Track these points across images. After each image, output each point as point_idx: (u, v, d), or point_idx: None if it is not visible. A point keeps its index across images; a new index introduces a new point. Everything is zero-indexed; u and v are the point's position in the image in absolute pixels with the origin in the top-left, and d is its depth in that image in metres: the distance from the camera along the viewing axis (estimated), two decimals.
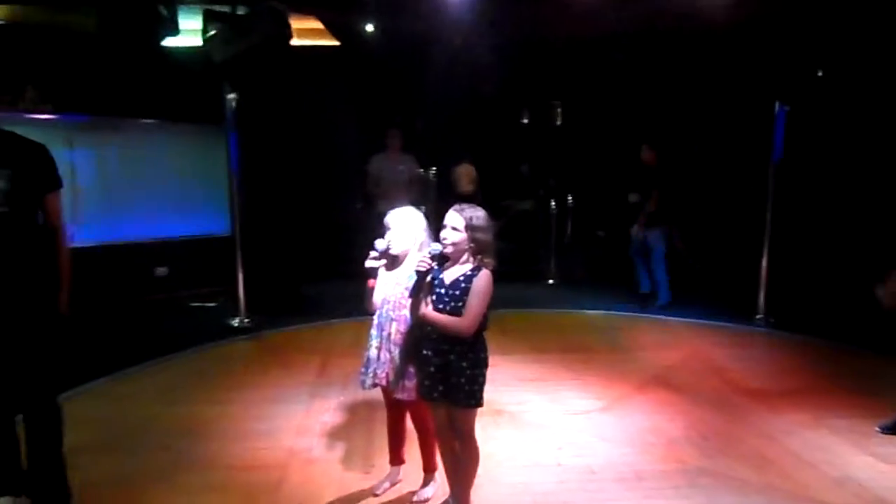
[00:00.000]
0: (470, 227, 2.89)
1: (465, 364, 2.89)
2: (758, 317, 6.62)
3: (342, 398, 4.49)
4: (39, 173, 2.95)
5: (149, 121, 6.82)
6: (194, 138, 6.96)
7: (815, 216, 7.30)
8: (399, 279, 3.12)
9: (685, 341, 6.02)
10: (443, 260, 2.94)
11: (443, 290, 2.91)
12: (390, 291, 3.14)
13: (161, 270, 7.02)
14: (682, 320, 6.68)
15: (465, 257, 2.93)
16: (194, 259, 7.00)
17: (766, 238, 6.61)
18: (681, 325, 6.58)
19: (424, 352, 2.97)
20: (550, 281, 8.58)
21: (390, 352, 3.14)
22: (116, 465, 3.58)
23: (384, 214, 3.22)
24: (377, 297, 3.19)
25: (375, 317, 3.20)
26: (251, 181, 6.61)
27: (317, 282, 7.29)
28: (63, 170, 5.58)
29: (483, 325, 2.93)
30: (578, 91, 9.83)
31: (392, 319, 3.13)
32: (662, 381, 4.94)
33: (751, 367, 5.32)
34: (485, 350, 2.98)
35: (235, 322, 6.21)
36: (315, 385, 4.78)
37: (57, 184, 3.01)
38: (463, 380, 2.88)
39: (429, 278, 2.93)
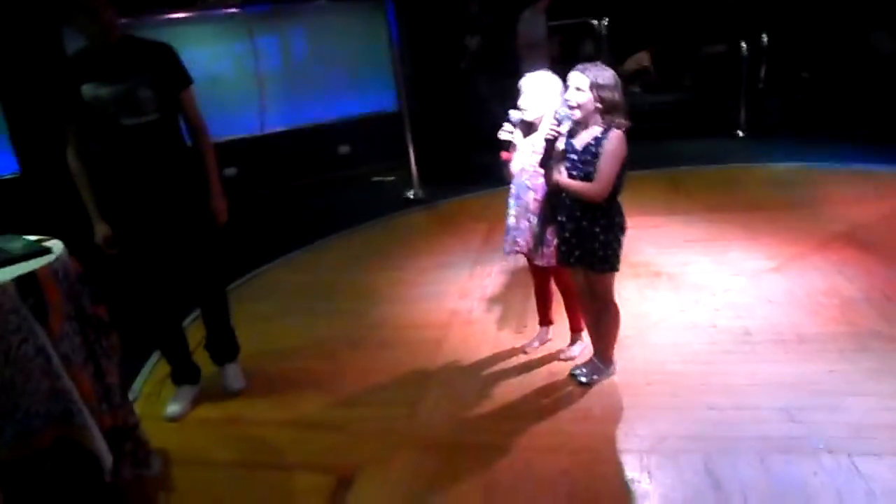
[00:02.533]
0: (595, 86, 2.78)
1: (598, 229, 2.89)
2: None
3: (504, 263, 4.67)
4: (172, 73, 2.95)
5: (317, 3, 7.06)
6: (361, 15, 7.13)
7: None
8: (536, 146, 3.10)
9: (891, 193, 5.34)
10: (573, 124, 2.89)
11: (575, 156, 2.89)
12: (527, 159, 3.15)
13: (343, 149, 7.55)
14: (893, 169, 5.89)
15: (594, 119, 2.85)
16: (372, 136, 7.41)
17: None
18: (891, 174, 5.81)
19: (560, 218, 3.01)
20: (739, 133, 7.89)
21: (529, 220, 3.21)
22: (303, 323, 4.15)
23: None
24: (515, 166, 3.22)
25: (513, 185, 3.26)
26: (415, 54, 6.73)
27: (486, 150, 7.38)
28: (246, 60, 6.04)
29: (617, 190, 2.88)
30: None
31: (529, 188, 3.17)
32: (850, 238, 4.49)
33: None
34: (620, 215, 2.94)
35: (410, 194, 6.59)
36: (480, 251, 5.01)
37: (188, 80, 3.01)
38: (597, 245, 2.90)
39: (559, 144, 2.91)
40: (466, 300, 4.22)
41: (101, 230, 2.99)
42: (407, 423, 3.01)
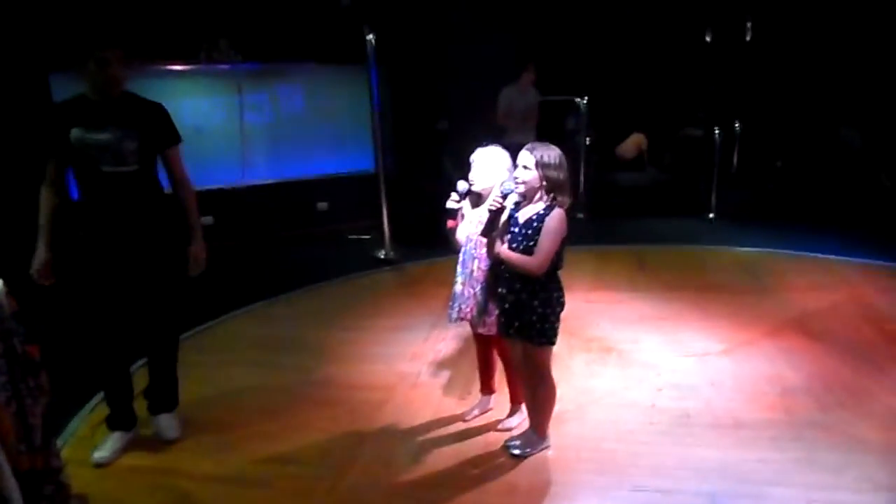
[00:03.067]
0: (541, 165, 2.89)
1: (536, 302, 2.94)
2: None
3: (460, 329, 4.69)
4: (161, 130, 3.14)
5: (303, 64, 7.28)
6: (347, 79, 7.34)
7: None
8: (482, 217, 3.19)
9: (848, 284, 5.46)
10: (518, 199, 2.98)
11: (517, 229, 2.97)
12: (473, 230, 3.23)
13: (322, 205, 7.65)
14: (853, 260, 6.03)
15: (538, 196, 2.94)
16: (350, 195, 7.51)
17: None
18: (849, 265, 5.95)
19: (500, 290, 3.07)
20: (710, 215, 8.07)
21: (473, 288, 3.27)
22: (250, 376, 4.13)
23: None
24: (461, 235, 3.31)
25: (460, 254, 3.33)
26: (397, 119, 6.90)
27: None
28: (233, 113, 6.14)
29: (556, 265, 2.95)
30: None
31: (474, 257, 3.24)
32: (801, 327, 4.58)
33: None
34: (559, 290, 3.00)
35: (381, 254, 6.67)
36: (440, 316, 4.99)
37: (177, 138, 3.20)
38: (534, 318, 2.95)
39: (504, 217, 3.00)
40: (416, 363, 4.24)
41: (40, 256, 3.05)
42: (333, 484, 2.99)
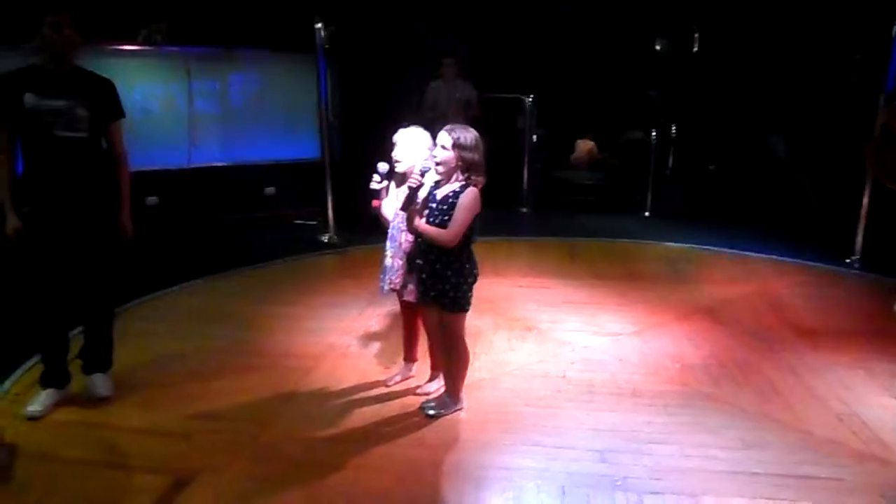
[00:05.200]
0: (458, 146, 3.13)
1: (449, 272, 3.18)
2: (852, 258, 6.22)
3: (394, 308, 4.91)
4: (109, 104, 3.35)
5: (254, 51, 7.41)
6: (296, 67, 7.49)
7: None
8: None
9: (760, 278, 5.85)
10: (437, 178, 3.22)
11: (434, 205, 3.20)
12: (400, 206, 3.45)
13: (269, 190, 7.79)
14: (769, 257, 6.44)
15: (455, 175, 3.18)
16: (297, 181, 7.67)
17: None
18: (765, 261, 6.36)
19: (417, 260, 3.31)
20: (645, 213, 8.46)
21: (402, 259, 3.50)
22: (183, 344, 4.29)
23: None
24: (388, 212, 3.54)
25: (389, 229, 3.56)
26: (345, 107, 7.08)
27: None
28: (181, 96, 6.30)
29: (469, 239, 3.19)
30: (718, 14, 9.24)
31: (402, 230, 3.47)
32: (710, 313, 4.92)
33: (819, 307, 5.13)
34: (471, 262, 3.24)
35: (325, 238, 6.87)
36: (374, 295, 5.21)
37: (121, 114, 3.42)
38: (447, 286, 3.19)
39: (423, 193, 3.23)
40: (347, 336, 4.44)
41: (12, 221, 3.22)
42: (253, 436, 3.19)
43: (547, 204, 8.78)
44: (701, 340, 4.43)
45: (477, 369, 3.82)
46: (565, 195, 9.18)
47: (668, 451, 3.08)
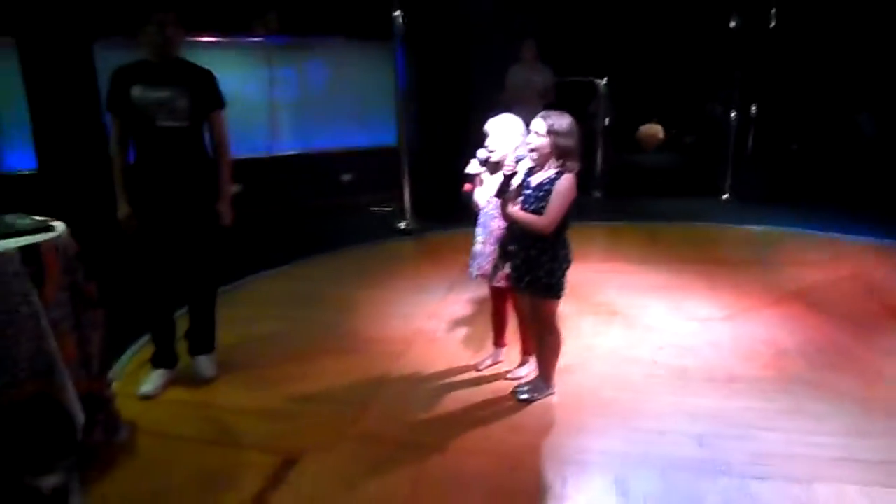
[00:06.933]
0: (552, 132, 3.13)
1: (544, 259, 3.20)
2: None
3: (477, 292, 4.96)
4: (209, 94, 3.47)
5: (332, 39, 7.55)
6: (373, 54, 7.60)
7: None
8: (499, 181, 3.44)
9: (852, 260, 5.64)
10: (531, 164, 3.24)
11: (530, 192, 3.22)
12: (493, 193, 3.48)
13: (346, 177, 7.95)
14: (859, 239, 6.20)
15: (550, 161, 3.19)
16: (374, 167, 7.82)
17: None
18: (855, 243, 6.12)
19: (511, 247, 3.34)
20: (725, 196, 8.24)
21: (493, 245, 3.54)
22: (279, 327, 4.47)
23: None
24: (482, 198, 3.57)
25: (481, 215, 3.60)
26: (422, 95, 7.14)
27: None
28: (263, 85, 6.43)
29: (564, 225, 3.20)
30: None
31: (495, 217, 3.50)
32: (801, 297, 4.78)
33: None
34: (565, 248, 3.25)
35: (402, 224, 6.97)
36: (456, 280, 5.31)
37: (222, 103, 3.53)
38: (542, 273, 3.21)
39: (516, 180, 3.25)
40: (433, 321, 4.52)
41: (123, 209, 3.42)
42: (355, 418, 3.29)
43: (621, 188, 8.66)
44: (795, 326, 4.31)
45: (565, 354, 3.78)
46: (639, 179, 9.04)
47: (771, 437, 3.03)
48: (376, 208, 7.71)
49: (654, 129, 10.04)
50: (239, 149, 6.94)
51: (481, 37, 7.76)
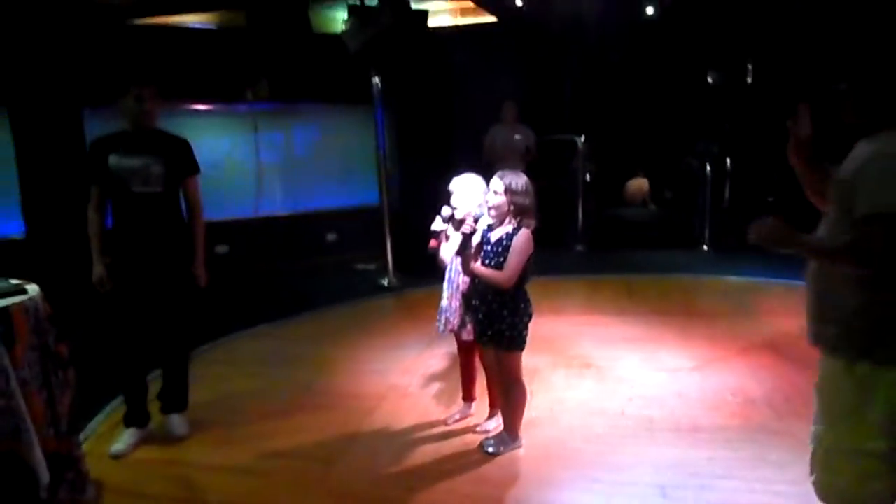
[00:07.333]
0: (509, 191, 3.27)
1: (505, 312, 3.29)
2: None
3: (453, 349, 5.02)
4: (184, 160, 3.64)
5: (315, 105, 7.83)
6: (355, 118, 7.86)
7: None
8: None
9: None
10: (491, 221, 3.37)
11: (489, 248, 3.34)
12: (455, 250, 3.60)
13: (331, 236, 8.10)
14: None
15: (508, 218, 3.32)
16: (358, 226, 7.97)
17: None
18: None
19: (474, 301, 3.44)
20: (704, 247, 8.39)
21: (459, 300, 3.64)
22: (255, 384, 4.53)
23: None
24: (446, 255, 3.68)
25: (447, 271, 3.71)
26: (403, 156, 7.36)
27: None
28: (249, 149, 6.58)
29: (524, 279, 3.30)
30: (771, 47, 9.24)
31: (459, 273, 3.61)
32: (772, 347, 4.86)
33: None
34: (526, 301, 3.35)
35: (385, 282, 7.08)
36: (435, 335, 5.32)
37: (196, 169, 3.69)
38: (504, 326, 3.30)
39: (477, 237, 3.37)
40: (407, 377, 4.58)
41: (98, 270, 3.53)
42: (323, 474, 3.32)
43: (603, 242, 8.82)
44: (764, 375, 4.38)
45: (535, 407, 3.87)
46: (621, 232, 9.21)
47: (731, 486, 3.07)
48: (360, 266, 7.83)
49: (640, 183, 10.27)
50: (226, 210, 7.23)
51: (461, 98, 8.03)
